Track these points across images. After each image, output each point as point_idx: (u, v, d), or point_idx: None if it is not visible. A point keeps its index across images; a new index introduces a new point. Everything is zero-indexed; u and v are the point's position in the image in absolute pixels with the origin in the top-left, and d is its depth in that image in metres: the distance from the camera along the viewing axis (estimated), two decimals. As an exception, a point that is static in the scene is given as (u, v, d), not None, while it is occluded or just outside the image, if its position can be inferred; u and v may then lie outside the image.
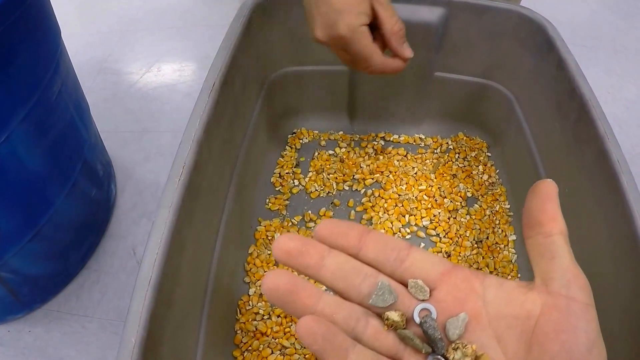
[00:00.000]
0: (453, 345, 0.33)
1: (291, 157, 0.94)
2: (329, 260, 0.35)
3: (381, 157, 0.93)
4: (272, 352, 0.70)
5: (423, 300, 0.35)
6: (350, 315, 0.35)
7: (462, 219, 0.85)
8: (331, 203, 0.87)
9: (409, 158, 0.93)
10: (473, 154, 0.94)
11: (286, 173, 0.91)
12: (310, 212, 0.86)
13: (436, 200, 0.86)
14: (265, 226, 0.83)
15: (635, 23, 1.45)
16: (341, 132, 0.98)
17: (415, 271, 0.36)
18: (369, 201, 0.87)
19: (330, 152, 0.95)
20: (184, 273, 0.56)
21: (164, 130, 1.03)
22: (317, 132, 0.98)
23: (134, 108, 1.16)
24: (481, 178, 0.91)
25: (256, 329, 0.72)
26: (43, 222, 0.76)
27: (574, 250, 0.62)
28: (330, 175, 0.90)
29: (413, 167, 0.91)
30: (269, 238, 0.82)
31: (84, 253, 0.90)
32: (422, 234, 0.83)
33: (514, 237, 0.83)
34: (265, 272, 0.77)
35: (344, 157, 0.93)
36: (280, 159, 0.94)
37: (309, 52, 0.87)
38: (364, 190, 0.89)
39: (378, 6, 0.63)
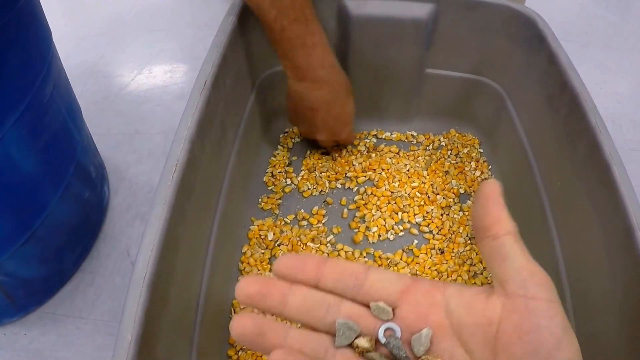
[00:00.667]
0: None
1: (283, 156, 0.94)
2: (291, 297, 0.36)
3: (373, 155, 0.93)
4: (267, 351, 0.70)
5: (387, 321, 0.35)
6: (319, 346, 0.36)
7: (455, 215, 0.85)
8: (324, 201, 0.87)
9: (401, 155, 0.93)
10: (465, 150, 0.94)
11: (278, 172, 0.91)
12: (302, 210, 0.86)
13: (429, 197, 0.87)
14: (258, 225, 0.83)
15: (626, 17, 1.46)
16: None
17: (375, 293, 0.36)
18: (362, 199, 0.87)
19: (322, 150, 0.95)
20: (178, 271, 0.57)
21: (155, 132, 1.03)
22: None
23: (126, 110, 1.16)
24: (474, 174, 0.91)
25: (251, 328, 0.72)
26: (37, 225, 0.76)
27: (568, 245, 0.63)
28: (323, 173, 0.91)
29: (405, 165, 0.91)
30: (262, 237, 0.82)
31: (78, 255, 0.90)
32: (415, 231, 0.83)
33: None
34: (259, 271, 0.78)
35: (336, 155, 0.93)
36: (273, 158, 0.94)
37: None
38: (356, 188, 0.89)
39: None
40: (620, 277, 0.55)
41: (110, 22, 1.43)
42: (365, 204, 0.86)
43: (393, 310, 0.36)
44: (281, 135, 0.97)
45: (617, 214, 0.56)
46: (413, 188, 0.87)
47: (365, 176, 0.90)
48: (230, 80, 0.75)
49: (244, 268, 0.78)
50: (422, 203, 0.86)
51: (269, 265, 0.79)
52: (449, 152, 0.94)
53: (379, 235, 0.82)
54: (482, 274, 0.78)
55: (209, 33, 0.72)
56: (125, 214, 0.97)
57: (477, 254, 0.80)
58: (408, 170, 0.90)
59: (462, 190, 0.89)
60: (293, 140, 0.97)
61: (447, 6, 0.81)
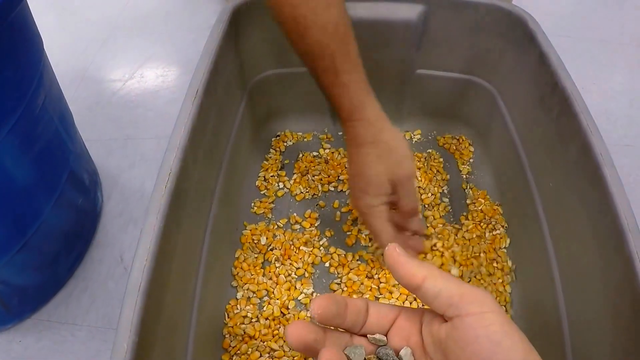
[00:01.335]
0: None
1: (276, 160, 0.94)
2: (327, 341, 0.41)
3: (365, 157, 0.93)
4: (261, 355, 0.71)
5: (383, 346, 0.42)
6: None
7: (447, 216, 0.86)
8: (316, 205, 0.88)
9: (393, 156, 0.93)
10: (457, 150, 0.95)
11: (271, 176, 0.91)
12: (295, 214, 0.86)
13: (421, 195, 0.87)
14: (251, 230, 0.83)
15: (620, 12, 1.46)
16: (326, 132, 0.99)
17: (373, 327, 0.42)
18: (354, 201, 0.87)
19: (315, 153, 0.95)
20: (173, 278, 0.57)
21: (147, 137, 1.03)
22: (301, 133, 0.99)
23: (118, 115, 1.16)
24: (466, 175, 0.92)
25: (244, 332, 0.72)
26: (31, 233, 0.77)
27: (560, 245, 0.63)
28: (315, 177, 0.91)
29: (397, 166, 0.91)
30: (255, 242, 0.82)
31: (72, 262, 0.90)
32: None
33: (505, 225, 0.84)
34: (252, 275, 0.78)
35: (329, 158, 0.94)
36: (265, 162, 0.94)
37: (289, 54, 0.86)
38: (349, 191, 0.89)
39: (399, 186, 0.70)
40: (613, 277, 0.55)
41: (101, 26, 1.43)
42: (359, 207, 0.86)
43: (386, 334, 0.42)
44: (273, 139, 0.98)
45: (608, 214, 0.56)
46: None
47: (357, 179, 0.90)
48: (222, 87, 0.75)
49: (237, 273, 0.78)
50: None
51: (262, 270, 0.79)
52: (441, 151, 0.95)
53: (370, 239, 0.83)
54: (470, 280, 0.78)
55: (200, 36, 0.72)
56: (118, 220, 0.97)
57: (469, 257, 0.80)
58: (400, 171, 0.90)
59: (454, 189, 0.89)
60: (285, 143, 0.97)
61: (437, 7, 0.81)
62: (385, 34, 0.80)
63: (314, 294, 0.77)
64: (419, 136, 0.98)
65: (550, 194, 0.73)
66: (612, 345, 0.54)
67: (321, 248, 0.81)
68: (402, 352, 0.41)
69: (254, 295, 0.76)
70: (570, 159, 0.66)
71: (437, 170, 0.91)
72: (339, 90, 0.69)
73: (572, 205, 0.66)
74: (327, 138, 0.98)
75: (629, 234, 0.53)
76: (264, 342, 0.72)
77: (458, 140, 0.97)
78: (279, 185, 0.90)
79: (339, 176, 0.91)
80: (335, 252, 0.81)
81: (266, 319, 0.74)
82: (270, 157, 0.94)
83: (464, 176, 0.92)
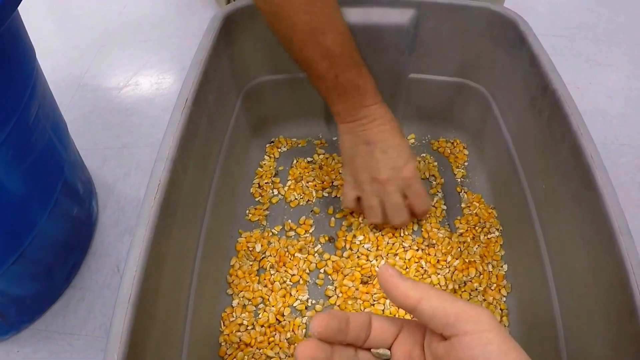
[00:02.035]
0: None
1: (270, 166, 0.94)
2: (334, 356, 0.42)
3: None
4: (257, 363, 0.71)
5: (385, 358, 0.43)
6: None
7: (440, 220, 0.86)
8: (311, 211, 0.88)
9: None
10: (452, 154, 0.95)
11: (265, 183, 0.91)
12: (290, 221, 0.86)
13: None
14: (245, 237, 0.83)
15: (615, 10, 1.46)
16: (320, 138, 0.99)
17: (377, 341, 0.43)
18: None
19: (309, 159, 0.95)
20: (164, 288, 0.57)
21: (143, 145, 1.03)
22: (295, 139, 0.99)
23: (113, 124, 1.16)
24: (460, 179, 0.92)
25: (240, 340, 0.72)
26: (26, 244, 0.77)
27: (553, 247, 0.64)
28: (309, 183, 0.91)
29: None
30: (250, 249, 0.82)
31: (68, 271, 0.90)
32: (400, 235, 0.84)
33: (500, 229, 0.85)
34: (247, 283, 0.78)
35: (323, 163, 0.94)
36: (259, 169, 0.94)
37: (283, 60, 0.86)
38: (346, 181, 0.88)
39: (407, 190, 0.79)
40: (604, 279, 0.55)
41: (97, 34, 1.43)
42: (352, 212, 0.86)
43: (389, 348, 0.43)
44: (267, 145, 0.98)
45: (599, 216, 0.56)
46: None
47: (352, 184, 0.90)
48: (213, 95, 0.76)
49: (233, 280, 0.79)
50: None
51: (257, 277, 0.79)
52: (435, 155, 0.95)
53: (364, 245, 0.83)
54: (466, 284, 0.78)
55: (194, 42, 0.73)
56: (114, 229, 0.97)
57: (464, 261, 0.81)
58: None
59: (447, 194, 0.89)
60: (279, 149, 0.97)
61: (428, 11, 0.81)
62: (377, 39, 0.80)
63: (309, 301, 0.77)
64: (413, 140, 0.98)
65: (543, 197, 0.73)
66: (604, 346, 0.54)
67: (316, 254, 0.82)
68: None
69: (250, 302, 0.76)
70: (561, 161, 0.67)
71: (432, 175, 0.91)
72: (356, 83, 0.75)
73: (564, 207, 0.66)
74: (321, 143, 0.98)
75: (620, 236, 0.53)
76: (260, 350, 0.72)
77: (452, 143, 0.97)
78: (273, 192, 0.90)
79: (333, 182, 0.91)
80: (329, 259, 0.81)
81: (262, 326, 0.74)
82: (264, 164, 0.94)
83: (459, 180, 0.92)
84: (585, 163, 0.60)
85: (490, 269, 0.79)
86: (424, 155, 0.95)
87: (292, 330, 0.74)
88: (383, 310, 0.75)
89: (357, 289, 0.77)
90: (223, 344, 0.72)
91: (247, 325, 0.74)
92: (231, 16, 0.79)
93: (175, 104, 0.65)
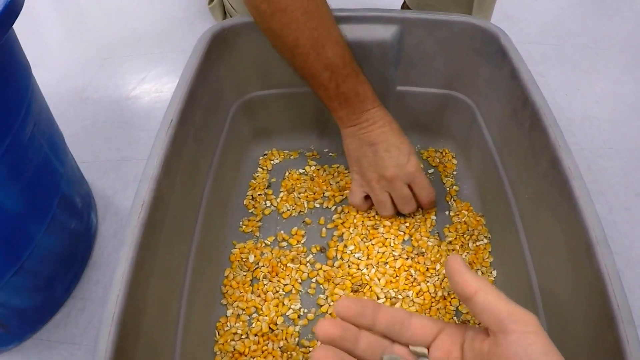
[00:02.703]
0: None
1: (263, 178, 0.96)
2: (360, 341, 0.46)
3: (350, 174, 0.95)
4: (251, 371, 0.73)
5: (422, 357, 0.46)
6: None
7: (431, 230, 0.87)
8: (303, 222, 0.89)
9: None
10: (440, 163, 0.97)
11: (258, 195, 0.93)
12: (282, 232, 0.88)
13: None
14: (239, 249, 0.85)
15: (602, 18, 1.47)
16: (312, 150, 1.01)
17: (416, 338, 0.47)
18: (339, 217, 0.89)
19: (301, 170, 0.97)
20: (151, 305, 0.59)
21: (141, 158, 1.05)
22: (287, 151, 1.00)
23: (113, 136, 1.18)
24: (447, 185, 0.94)
25: (234, 349, 0.74)
26: (25, 257, 0.78)
27: (537, 256, 0.67)
28: (301, 194, 0.92)
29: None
30: (244, 260, 0.84)
31: (68, 283, 0.92)
32: (390, 245, 0.85)
33: (488, 236, 0.86)
34: (241, 293, 0.80)
35: (314, 175, 0.95)
36: (253, 181, 0.96)
37: (273, 76, 0.89)
38: (334, 207, 0.91)
39: (412, 183, 0.83)
40: (584, 288, 0.57)
41: (99, 48, 1.45)
42: (343, 222, 0.88)
43: (428, 347, 0.46)
44: (260, 158, 0.99)
45: (577, 227, 0.58)
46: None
47: (342, 195, 0.92)
48: (201, 113, 0.77)
49: (227, 291, 0.80)
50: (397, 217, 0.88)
51: (251, 288, 0.81)
52: (425, 165, 0.96)
53: (354, 254, 0.84)
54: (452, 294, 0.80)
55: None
56: (113, 240, 0.99)
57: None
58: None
59: (437, 203, 0.90)
60: (272, 162, 0.98)
61: (411, 26, 0.83)
62: (363, 54, 0.81)
63: (302, 310, 0.79)
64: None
65: (527, 206, 0.74)
66: (586, 353, 0.55)
67: (308, 264, 0.83)
68: None
69: (244, 312, 0.78)
70: (541, 172, 0.68)
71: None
72: (356, 91, 0.79)
73: (545, 217, 0.68)
74: (312, 155, 1.00)
75: (597, 246, 0.55)
76: (253, 358, 0.73)
77: (441, 153, 0.99)
78: (266, 204, 0.92)
79: (324, 193, 0.92)
80: (321, 268, 0.82)
81: (255, 335, 0.76)
82: (257, 176, 0.96)
83: (447, 188, 0.93)
84: (563, 174, 0.62)
85: (480, 276, 0.80)
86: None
87: (285, 339, 0.75)
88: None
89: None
90: (218, 353, 0.74)
91: (241, 335, 0.76)
92: (219, 35, 0.81)
93: (160, 123, 0.67)
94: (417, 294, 0.79)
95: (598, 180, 1.04)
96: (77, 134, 1.17)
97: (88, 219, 0.98)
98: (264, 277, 0.82)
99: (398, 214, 0.87)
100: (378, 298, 0.78)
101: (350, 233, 0.86)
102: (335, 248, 0.85)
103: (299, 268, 0.83)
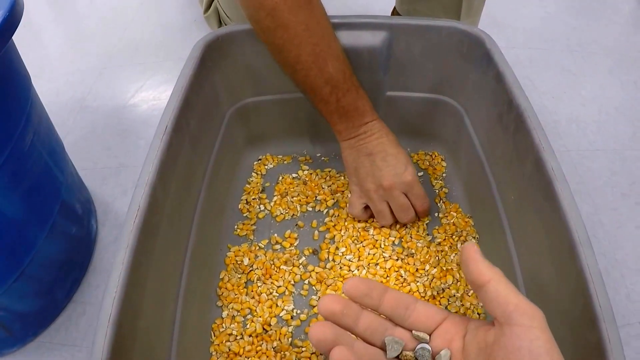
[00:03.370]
0: None
1: (257, 183, 0.97)
2: (361, 319, 0.47)
3: (342, 178, 0.97)
4: (246, 371, 0.74)
5: (424, 342, 0.47)
6: (374, 357, 0.47)
7: (419, 231, 0.89)
8: (296, 225, 0.91)
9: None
10: (430, 166, 0.99)
11: (252, 199, 0.95)
12: (276, 235, 0.89)
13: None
14: (234, 252, 0.87)
15: (589, 22, 1.49)
16: (305, 155, 1.03)
17: (419, 324, 0.48)
18: (331, 220, 0.91)
19: (294, 175, 0.99)
20: (147, 307, 0.61)
21: (139, 165, 1.06)
22: (281, 156, 1.02)
23: (112, 144, 1.20)
24: (437, 188, 0.96)
25: (229, 349, 0.76)
26: (26, 263, 0.79)
27: (523, 256, 0.69)
28: (294, 198, 0.94)
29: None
30: (238, 263, 0.85)
31: (69, 288, 0.94)
32: (380, 246, 0.87)
33: (476, 237, 0.88)
34: (236, 295, 0.82)
35: (307, 179, 0.97)
36: (247, 185, 0.97)
37: (266, 82, 0.91)
38: (326, 210, 0.93)
39: (409, 193, 0.85)
40: (567, 288, 0.59)
41: (98, 58, 1.47)
42: (335, 225, 0.90)
43: (430, 334, 0.47)
44: (255, 163, 1.01)
45: (560, 228, 0.60)
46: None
47: (334, 198, 0.94)
48: (196, 120, 0.79)
49: (222, 293, 0.82)
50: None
51: (245, 290, 0.82)
52: (415, 168, 0.97)
53: (346, 256, 0.86)
54: (444, 291, 0.81)
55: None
56: (113, 245, 1.00)
57: (442, 269, 0.84)
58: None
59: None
60: (266, 166, 1.00)
61: (399, 32, 0.84)
62: (353, 61, 0.82)
63: (295, 310, 0.80)
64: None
65: (513, 208, 0.76)
66: (569, 353, 0.56)
67: (300, 266, 0.85)
68: (442, 352, 0.46)
69: (238, 313, 0.80)
70: (526, 174, 0.70)
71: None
72: (356, 105, 0.81)
73: (530, 218, 0.69)
74: (305, 160, 1.02)
75: (580, 247, 0.56)
76: (248, 358, 0.75)
77: (431, 156, 1.01)
78: (260, 208, 0.94)
79: (316, 196, 0.94)
80: (313, 270, 0.84)
81: (249, 336, 0.77)
82: (252, 181, 0.98)
83: (437, 191, 0.95)
84: (547, 176, 0.63)
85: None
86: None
87: (279, 339, 0.77)
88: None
89: (338, 299, 0.80)
90: (214, 353, 0.76)
91: (236, 335, 0.78)
92: (212, 43, 0.83)
93: (155, 131, 0.69)
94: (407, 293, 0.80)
95: (584, 181, 1.06)
96: (77, 142, 1.19)
97: (88, 224, 1.00)
98: (258, 280, 0.83)
99: (397, 222, 0.88)
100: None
101: (342, 235, 0.88)
102: (327, 250, 0.87)
103: (292, 270, 0.84)
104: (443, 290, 0.81)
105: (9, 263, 0.77)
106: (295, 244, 0.89)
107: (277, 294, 0.82)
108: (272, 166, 1.01)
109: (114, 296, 0.54)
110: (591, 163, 1.09)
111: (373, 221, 0.89)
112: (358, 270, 0.83)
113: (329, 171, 0.99)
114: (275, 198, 0.95)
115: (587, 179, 1.06)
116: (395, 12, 1.25)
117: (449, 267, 0.83)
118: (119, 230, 1.03)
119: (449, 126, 0.96)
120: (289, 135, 1.01)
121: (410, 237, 0.88)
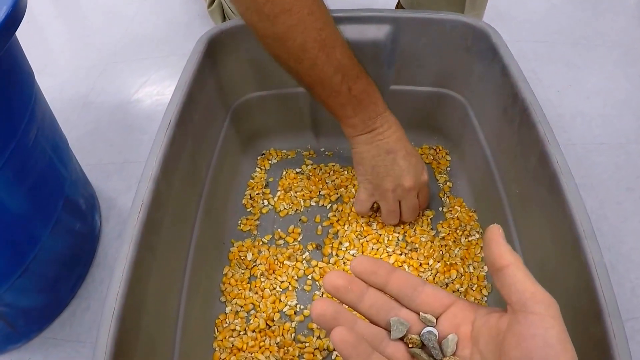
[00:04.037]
0: (446, 359, 0.44)
1: (261, 178, 0.97)
2: (366, 296, 0.47)
3: (346, 172, 0.97)
4: (249, 366, 0.74)
5: (430, 326, 0.46)
6: (378, 336, 0.47)
7: (424, 226, 0.89)
8: (299, 220, 0.91)
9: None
10: (434, 160, 0.99)
11: (256, 194, 0.95)
12: (279, 230, 0.89)
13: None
14: (238, 247, 0.87)
15: (594, 14, 1.48)
16: (309, 149, 1.03)
17: (426, 306, 0.47)
18: (335, 215, 0.90)
19: (298, 170, 0.98)
20: (150, 302, 0.61)
21: (142, 160, 1.06)
22: (285, 151, 1.02)
23: (116, 140, 1.20)
24: (441, 182, 0.96)
25: (233, 345, 0.76)
26: (30, 259, 0.79)
27: (527, 250, 0.66)
28: (298, 193, 0.94)
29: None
30: (242, 258, 0.85)
31: (73, 283, 0.94)
32: (384, 242, 0.87)
33: (480, 231, 0.87)
34: (239, 290, 0.82)
35: (311, 174, 0.97)
36: (251, 180, 0.97)
37: (270, 77, 0.90)
38: (329, 205, 0.92)
39: (420, 192, 0.84)
40: (571, 282, 0.58)
41: (100, 53, 1.47)
42: (338, 220, 0.90)
43: (437, 318, 0.47)
44: (258, 157, 1.01)
45: (565, 221, 0.59)
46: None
47: (337, 193, 0.94)
48: (199, 115, 0.79)
49: (226, 288, 0.82)
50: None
51: (249, 285, 0.82)
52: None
53: (349, 251, 0.86)
54: (448, 285, 0.81)
55: (192, 61, 0.78)
56: (117, 241, 1.00)
57: (446, 264, 0.84)
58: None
59: (430, 199, 0.92)
60: (270, 161, 1.00)
61: (404, 25, 0.84)
62: (357, 54, 0.81)
63: (298, 306, 0.80)
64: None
65: (517, 201, 0.76)
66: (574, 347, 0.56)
67: (304, 261, 0.85)
68: (449, 337, 0.45)
69: (242, 309, 0.80)
70: (531, 167, 0.69)
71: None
72: (368, 92, 0.77)
73: (535, 212, 0.69)
74: (309, 154, 1.02)
75: (585, 241, 0.56)
76: (251, 354, 0.75)
77: (435, 150, 1.00)
78: (263, 203, 0.94)
79: (320, 191, 0.94)
80: (317, 265, 0.84)
81: (253, 331, 0.77)
82: (256, 176, 0.98)
83: (441, 185, 0.95)
84: (552, 169, 0.63)
85: (472, 270, 0.82)
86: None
87: (282, 335, 0.77)
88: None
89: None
90: (217, 349, 0.76)
91: (240, 331, 0.78)
92: (216, 38, 0.83)
93: (159, 125, 0.69)
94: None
95: (589, 175, 1.05)
96: (81, 138, 1.19)
97: (92, 220, 1.00)
98: (261, 275, 0.83)
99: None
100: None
101: (345, 230, 0.88)
102: (331, 245, 0.87)
103: (295, 265, 0.84)
104: (447, 284, 0.81)
105: (13, 259, 0.77)
106: (298, 239, 0.88)
107: (281, 289, 0.82)
108: (275, 161, 1.01)
109: (117, 291, 0.54)
110: (596, 157, 1.08)
111: (377, 216, 0.89)
112: (362, 265, 0.83)
113: (333, 166, 0.99)
114: (279, 193, 0.95)
115: (592, 172, 1.05)
116: (399, 5, 1.24)
117: (453, 262, 0.83)
118: (122, 225, 1.03)
119: (453, 120, 0.95)
120: (293, 129, 1.01)
121: (414, 231, 0.87)
